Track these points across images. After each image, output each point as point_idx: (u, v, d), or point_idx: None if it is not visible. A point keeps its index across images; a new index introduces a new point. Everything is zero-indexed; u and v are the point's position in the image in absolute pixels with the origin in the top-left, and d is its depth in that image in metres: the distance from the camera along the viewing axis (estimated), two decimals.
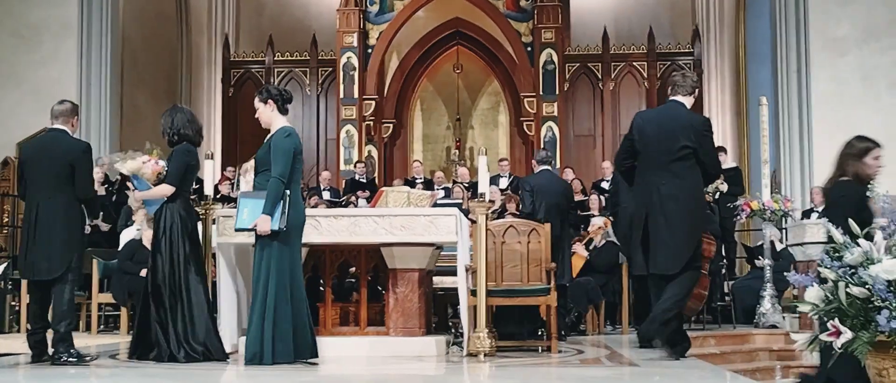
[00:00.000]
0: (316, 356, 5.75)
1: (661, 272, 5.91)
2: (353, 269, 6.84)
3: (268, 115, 5.90)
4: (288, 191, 5.62)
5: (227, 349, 6.19)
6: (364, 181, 14.04)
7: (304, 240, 6.07)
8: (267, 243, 5.64)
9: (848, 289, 3.35)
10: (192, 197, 6.27)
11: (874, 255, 3.40)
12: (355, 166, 15.29)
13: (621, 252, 7.56)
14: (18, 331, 9.27)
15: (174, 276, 5.95)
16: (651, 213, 5.94)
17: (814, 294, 3.42)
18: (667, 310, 5.82)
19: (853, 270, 3.41)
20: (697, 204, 6.11)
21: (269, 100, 5.89)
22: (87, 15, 12.96)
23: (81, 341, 7.89)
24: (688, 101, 6.22)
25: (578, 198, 12.32)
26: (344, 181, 14.93)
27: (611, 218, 9.90)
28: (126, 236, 9.77)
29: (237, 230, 5.81)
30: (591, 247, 9.30)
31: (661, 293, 5.89)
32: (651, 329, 5.90)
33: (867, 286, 3.31)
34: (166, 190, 6.03)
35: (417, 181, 13.11)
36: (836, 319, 3.32)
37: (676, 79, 6.31)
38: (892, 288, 3.28)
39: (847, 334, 3.29)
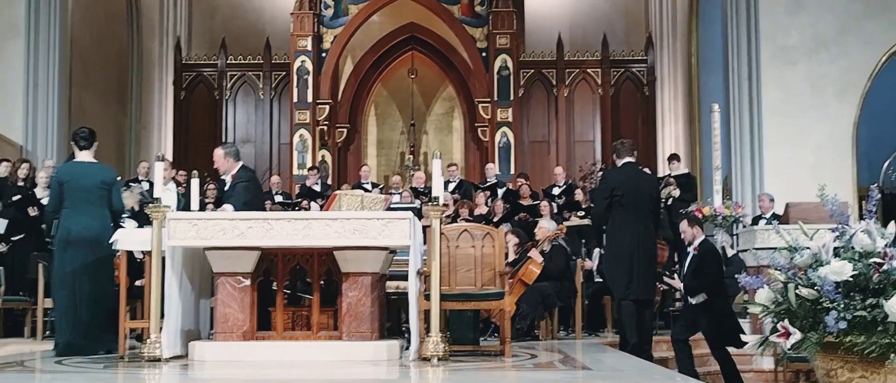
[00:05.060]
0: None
1: (648, 297, 7.55)
2: (308, 280, 6.76)
3: None
4: (56, 218, 7.01)
5: (173, 352, 6.13)
6: (317, 189, 13.46)
7: (254, 243, 6.01)
8: None
9: (797, 291, 3.38)
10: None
11: (823, 257, 3.43)
12: (308, 172, 14.99)
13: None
14: None
15: None
16: (637, 252, 7.36)
17: (764, 295, 3.45)
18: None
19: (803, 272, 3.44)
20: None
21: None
22: (35, 15, 12.72)
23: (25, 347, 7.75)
24: (633, 160, 7.71)
25: (527, 202, 12.32)
26: (298, 187, 14.64)
27: (563, 227, 9.92)
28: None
29: None
30: (542, 253, 9.28)
31: (642, 310, 7.50)
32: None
33: (816, 287, 3.34)
34: None
35: (364, 184, 12.97)
36: (786, 320, 3.35)
37: (618, 147, 7.75)
38: (839, 290, 3.31)
39: (796, 335, 3.32)
